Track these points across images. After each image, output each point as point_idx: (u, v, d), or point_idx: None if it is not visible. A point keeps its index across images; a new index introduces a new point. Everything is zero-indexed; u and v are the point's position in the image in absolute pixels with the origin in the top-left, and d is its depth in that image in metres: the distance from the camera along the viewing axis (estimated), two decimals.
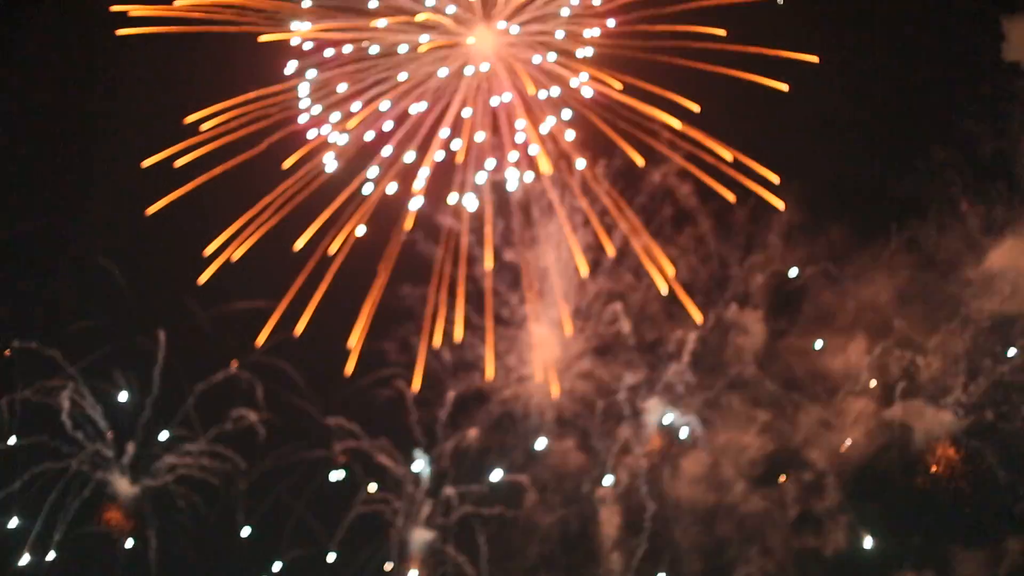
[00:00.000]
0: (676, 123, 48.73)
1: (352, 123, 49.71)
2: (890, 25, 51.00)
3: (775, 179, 48.56)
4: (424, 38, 49.94)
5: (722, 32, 48.86)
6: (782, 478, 49.28)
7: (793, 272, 50.35)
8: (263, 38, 49.25)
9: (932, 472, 49.24)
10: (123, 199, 48.92)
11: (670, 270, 48.42)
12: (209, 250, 47.70)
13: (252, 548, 47.73)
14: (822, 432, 49.75)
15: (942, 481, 49.19)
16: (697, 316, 48.90)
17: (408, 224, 48.74)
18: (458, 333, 48.29)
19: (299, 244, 47.85)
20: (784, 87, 48.63)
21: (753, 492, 49.31)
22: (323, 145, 49.54)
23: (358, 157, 49.51)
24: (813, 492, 49.38)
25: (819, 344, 50.13)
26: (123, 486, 46.93)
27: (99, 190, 49.46)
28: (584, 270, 48.47)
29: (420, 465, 47.92)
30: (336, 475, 47.94)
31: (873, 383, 49.90)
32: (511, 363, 49.24)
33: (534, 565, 48.70)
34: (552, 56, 50.01)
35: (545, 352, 48.97)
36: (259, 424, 47.44)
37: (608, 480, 49.21)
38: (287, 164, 48.77)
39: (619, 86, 49.16)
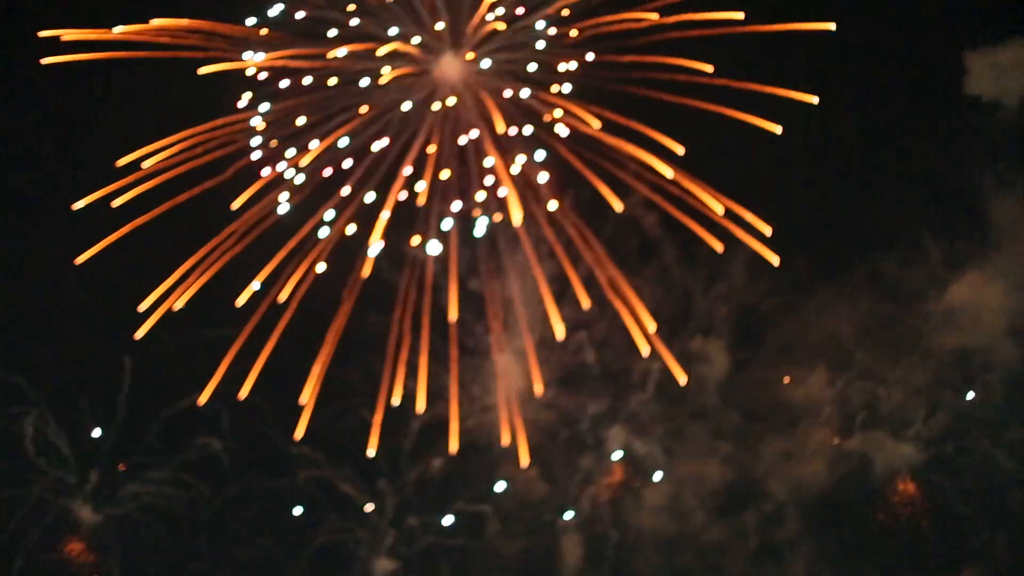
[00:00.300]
0: (668, 172, 48.16)
1: (307, 159, 48.61)
2: (853, 59, 51.18)
3: (767, 230, 47.92)
4: (386, 69, 49.24)
5: (709, 68, 48.10)
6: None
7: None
8: (203, 70, 48.29)
9: (891, 504, 49.57)
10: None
11: (651, 326, 48.23)
12: (144, 305, 46.90)
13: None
14: (782, 463, 49.90)
15: (901, 514, 49.57)
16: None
17: (367, 271, 47.83)
18: (419, 405, 47.97)
19: (240, 301, 47.16)
20: (777, 129, 48.11)
21: (714, 523, 49.40)
22: (278, 182, 48.56)
23: (314, 196, 48.58)
24: (773, 523, 49.47)
25: (781, 375, 50.15)
26: (86, 514, 46.67)
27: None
28: (560, 333, 48.34)
29: (371, 507, 47.88)
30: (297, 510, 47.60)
31: (833, 414, 50.00)
32: (475, 392, 49.24)
33: None
34: (525, 92, 49.42)
35: (509, 382, 48.91)
36: (223, 452, 47.12)
37: (569, 514, 49.29)
38: (237, 204, 47.79)
39: (597, 124, 48.45)
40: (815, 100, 48.25)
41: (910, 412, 50.24)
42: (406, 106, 49.65)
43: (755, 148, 49.77)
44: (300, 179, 48.69)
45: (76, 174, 49.09)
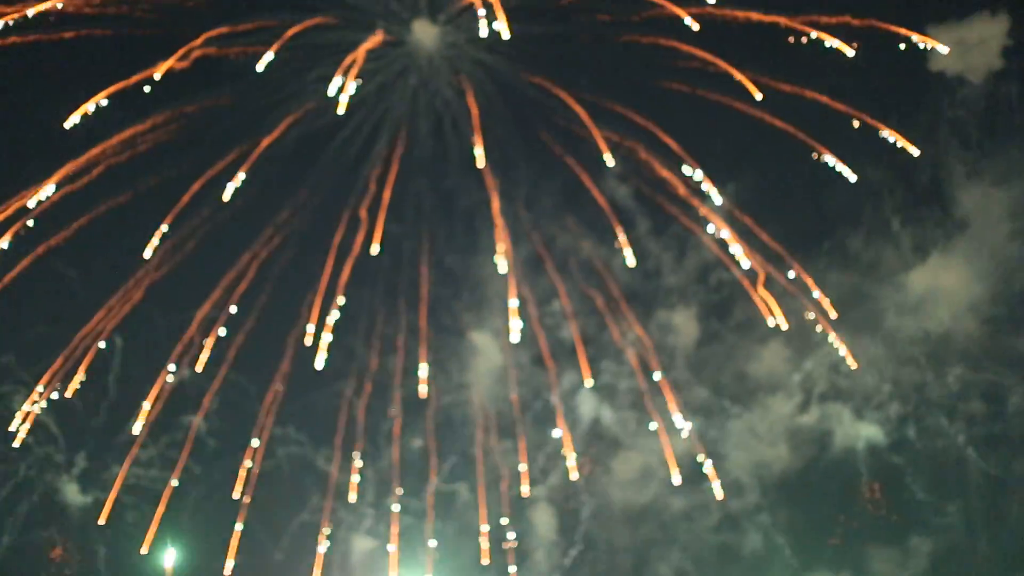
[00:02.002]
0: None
1: None
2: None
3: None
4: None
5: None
6: None
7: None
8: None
9: (847, 476, 51.20)
10: None
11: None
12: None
13: (199, 557, 48.37)
14: (746, 436, 51.34)
15: (857, 486, 51.29)
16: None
17: None
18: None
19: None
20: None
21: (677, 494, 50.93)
22: None
23: None
24: (734, 493, 51.08)
25: (747, 348, 51.47)
26: (72, 493, 47.16)
27: None
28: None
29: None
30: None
31: (795, 389, 51.27)
32: (451, 369, 50.37)
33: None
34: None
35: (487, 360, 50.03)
36: (208, 432, 47.93)
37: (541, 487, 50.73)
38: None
39: None
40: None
41: (870, 388, 51.05)
42: None
43: (725, 123, 50.53)
44: None
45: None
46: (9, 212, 47.54)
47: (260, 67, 48.35)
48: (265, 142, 49.96)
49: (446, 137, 51.32)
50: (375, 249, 49.14)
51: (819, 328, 51.33)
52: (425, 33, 51.31)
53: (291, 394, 48.66)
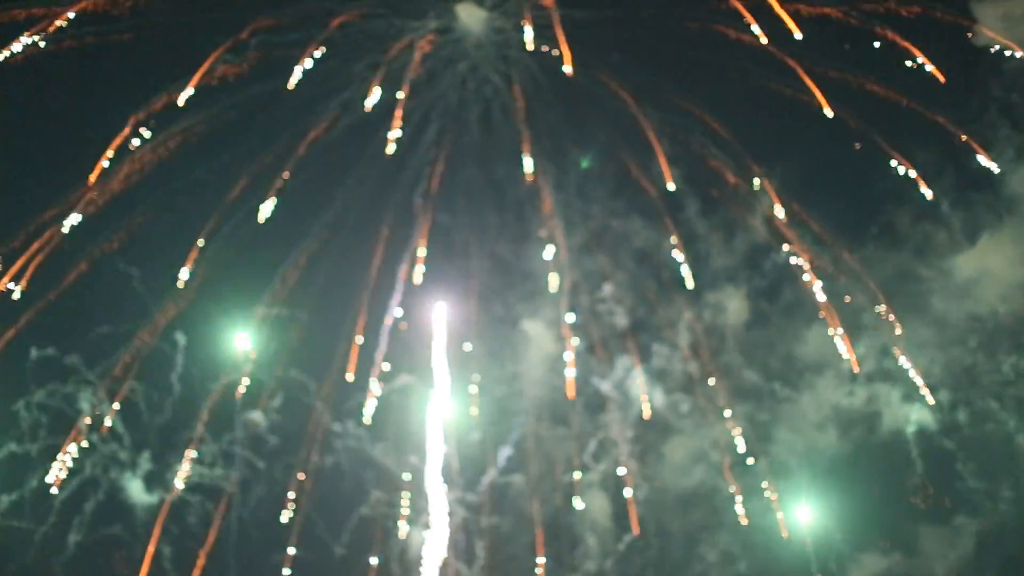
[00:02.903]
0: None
1: None
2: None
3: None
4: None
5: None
6: None
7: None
8: None
9: (896, 457, 51.59)
10: None
11: None
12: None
13: (262, 550, 49.24)
14: (795, 417, 51.75)
15: (906, 467, 51.73)
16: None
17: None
18: None
19: None
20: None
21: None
22: None
23: None
24: (781, 474, 51.57)
25: (798, 331, 51.74)
26: (137, 490, 47.88)
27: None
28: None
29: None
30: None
31: (847, 373, 51.58)
32: (504, 359, 50.81)
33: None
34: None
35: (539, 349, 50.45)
36: (268, 430, 48.58)
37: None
38: None
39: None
40: None
41: (918, 368, 51.27)
42: None
43: (771, 107, 50.52)
44: None
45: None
46: (67, 211, 47.78)
47: (291, 83, 48.67)
48: (313, 134, 50.01)
49: (496, 126, 51.24)
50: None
51: (868, 311, 51.41)
52: (472, 18, 51.04)
53: (348, 389, 48.60)
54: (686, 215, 51.48)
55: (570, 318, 50.47)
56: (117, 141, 47.43)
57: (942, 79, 49.51)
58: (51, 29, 47.46)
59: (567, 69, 48.46)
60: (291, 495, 49.00)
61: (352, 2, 50.69)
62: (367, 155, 50.59)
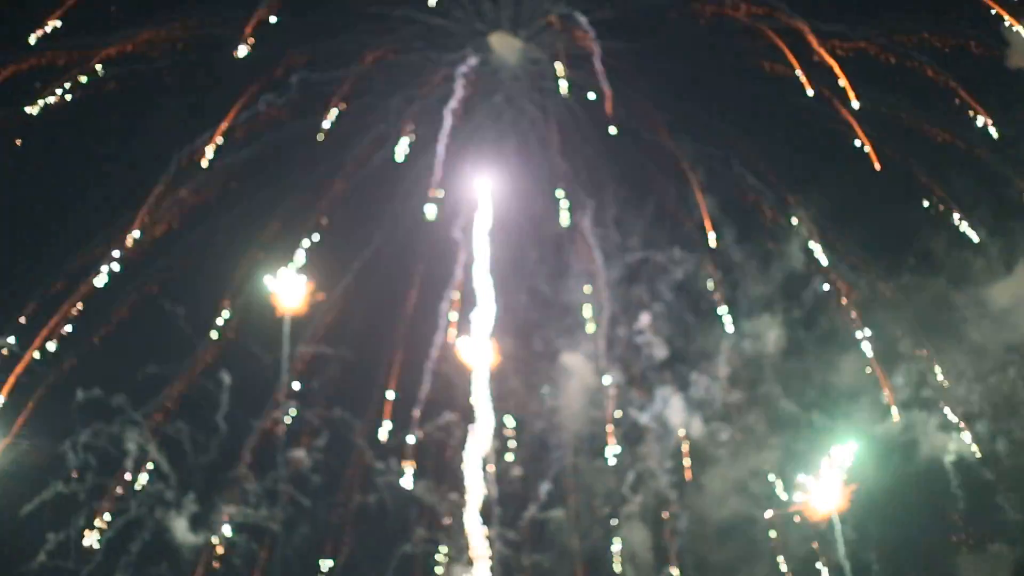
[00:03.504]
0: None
1: None
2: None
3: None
4: None
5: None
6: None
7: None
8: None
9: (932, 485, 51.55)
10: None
11: None
12: None
13: None
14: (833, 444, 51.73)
15: (941, 494, 51.70)
16: None
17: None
18: None
19: None
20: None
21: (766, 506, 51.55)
22: None
23: None
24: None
25: (834, 359, 51.80)
26: (182, 530, 48.10)
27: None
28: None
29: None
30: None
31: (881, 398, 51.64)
32: (544, 394, 50.97)
33: None
34: None
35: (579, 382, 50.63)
36: (312, 469, 48.82)
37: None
38: None
39: None
40: None
41: (958, 401, 51.28)
42: None
43: (806, 134, 50.62)
44: None
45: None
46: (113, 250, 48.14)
47: (325, 125, 49.13)
48: (348, 171, 50.25)
49: (533, 158, 51.43)
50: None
51: (904, 340, 51.53)
52: (506, 49, 51.16)
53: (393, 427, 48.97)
54: (723, 247, 51.23)
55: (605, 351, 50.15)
56: (158, 191, 47.57)
57: (988, 120, 49.37)
58: (85, 74, 47.55)
59: (611, 129, 48.61)
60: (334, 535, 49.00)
61: (386, 35, 50.53)
62: (402, 191, 50.52)
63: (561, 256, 51.36)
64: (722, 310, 51.95)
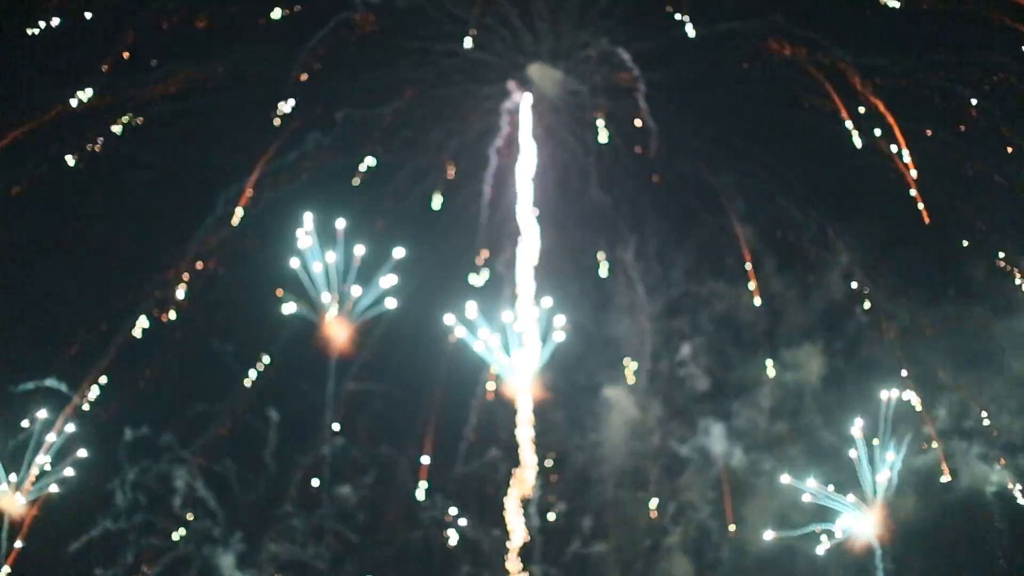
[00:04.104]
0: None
1: None
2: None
3: None
4: None
5: None
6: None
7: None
8: None
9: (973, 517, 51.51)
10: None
11: None
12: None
13: None
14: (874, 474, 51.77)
15: (981, 527, 51.64)
16: None
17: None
18: None
19: None
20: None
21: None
22: None
23: None
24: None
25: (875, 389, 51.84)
26: (229, 567, 48.35)
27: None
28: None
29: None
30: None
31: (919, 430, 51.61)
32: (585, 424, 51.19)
33: None
34: None
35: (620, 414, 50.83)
36: (358, 506, 49.09)
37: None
38: None
39: None
40: None
41: (997, 429, 51.28)
42: None
43: (847, 166, 50.71)
44: None
45: None
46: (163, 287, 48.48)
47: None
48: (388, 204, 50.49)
49: (572, 191, 51.62)
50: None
51: (944, 371, 51.55)
52: (545, 79, 51.34)
53: (436, 463, 49.31)
54: (764, 277, 51.31)
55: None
56: (204, 230, 47.93)
57: None
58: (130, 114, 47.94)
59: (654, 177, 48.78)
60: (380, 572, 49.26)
61: (425, 67, 50.72)
62: (444, 222, 50.75)
63: (603, 291, 51.25)
64: (762, 341, 51.53)
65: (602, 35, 51.56)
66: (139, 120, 48.77)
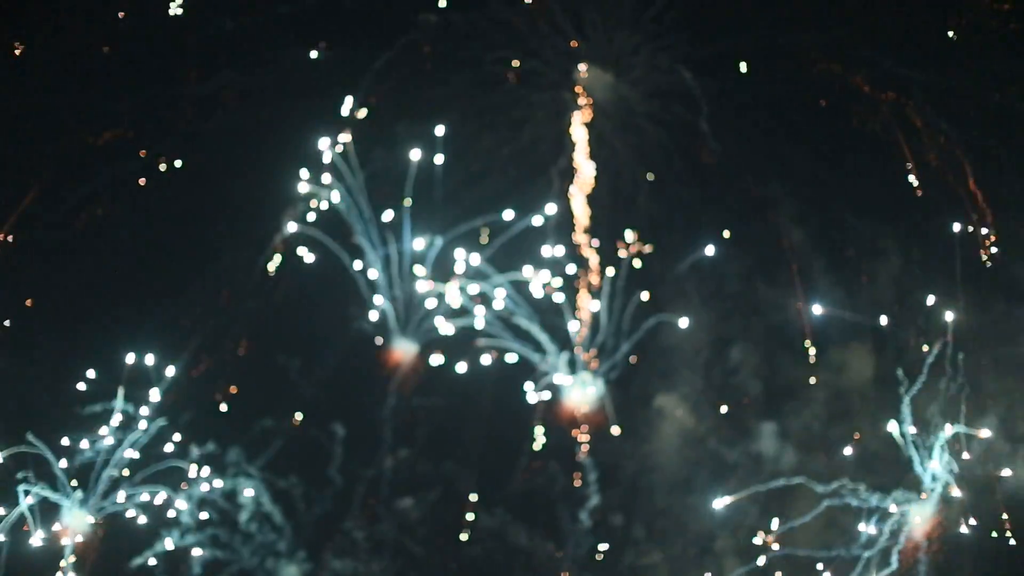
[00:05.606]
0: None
1: None
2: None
3: None
4: None
5: None
6: None
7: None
8: None
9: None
10: None
11: None
12: None
13: None
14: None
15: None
16: None
17: None
18: None
19: None
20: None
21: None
22: None
23: None
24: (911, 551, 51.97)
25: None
26: None
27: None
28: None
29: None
30: None
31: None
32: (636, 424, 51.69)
33: None
34: None
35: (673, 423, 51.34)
36: (421, 520, 49.75)
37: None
38: None
39: None
40: None
41: None
42: None
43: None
44: None
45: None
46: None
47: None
48: None
49: (622, 198, 51.73)
50: None
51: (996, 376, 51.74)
52: (595, 83, 51.28)
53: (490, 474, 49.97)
54: (813, 281, 51.47)
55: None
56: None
57: None
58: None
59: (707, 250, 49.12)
60: None
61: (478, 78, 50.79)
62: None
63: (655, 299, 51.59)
64: (812, 344, 51.78)
65: (655, 39, 51.18)
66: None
